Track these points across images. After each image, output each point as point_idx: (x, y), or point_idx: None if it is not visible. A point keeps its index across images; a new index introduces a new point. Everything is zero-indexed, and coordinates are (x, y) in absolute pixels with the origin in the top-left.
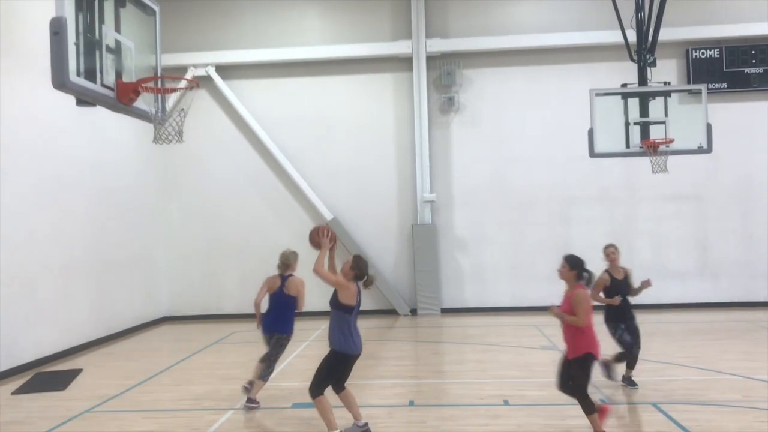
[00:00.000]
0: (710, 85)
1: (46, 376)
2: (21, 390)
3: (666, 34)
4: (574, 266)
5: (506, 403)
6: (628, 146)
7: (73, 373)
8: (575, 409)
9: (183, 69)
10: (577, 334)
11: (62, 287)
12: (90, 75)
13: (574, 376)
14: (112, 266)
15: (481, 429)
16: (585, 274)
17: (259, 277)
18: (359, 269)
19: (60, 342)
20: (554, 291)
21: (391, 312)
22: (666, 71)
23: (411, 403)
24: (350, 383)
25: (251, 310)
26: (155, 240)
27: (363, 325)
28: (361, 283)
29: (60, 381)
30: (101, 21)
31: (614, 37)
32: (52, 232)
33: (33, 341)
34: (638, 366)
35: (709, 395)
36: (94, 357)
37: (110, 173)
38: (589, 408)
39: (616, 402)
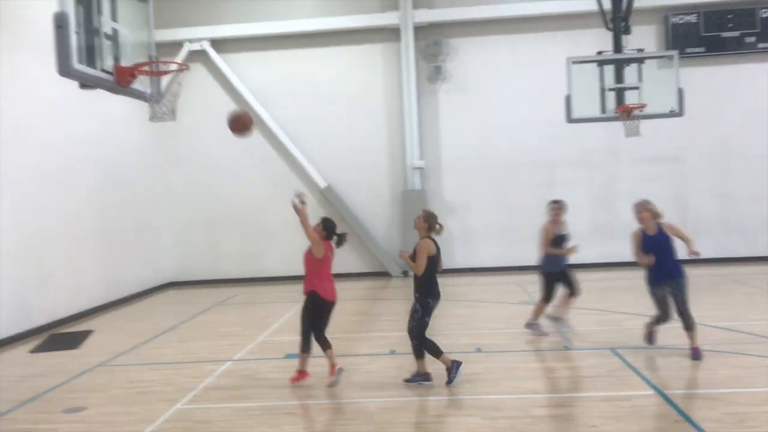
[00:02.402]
0: (688, 50)
1: (59, 336)
2: (38, 349)
3: (645, 0)
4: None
5: (479, 350)
6: (603, 111)
7: (85, 334)
8: (536, 354)
9: (179, 44)
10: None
11: (71, 256)
12: (91, 61)
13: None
14: (118, 235)
15: None
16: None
17: (258, 243)
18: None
19: (71, 306)
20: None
21: (384, 274)
22: (645, 37)
23: (392, 352)
24: (338, 336)
25: (251, 274)
26: (159, 210)
27: (357, 286)
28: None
29: (73, 340)
30: (99, 11)
31: (593, 5)
32: (60, 205)
33: (45, 306)
34: (608, 317)
35: (664, 341)
36: (104, 320)
37: (115, 148)
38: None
39: (575, 348)
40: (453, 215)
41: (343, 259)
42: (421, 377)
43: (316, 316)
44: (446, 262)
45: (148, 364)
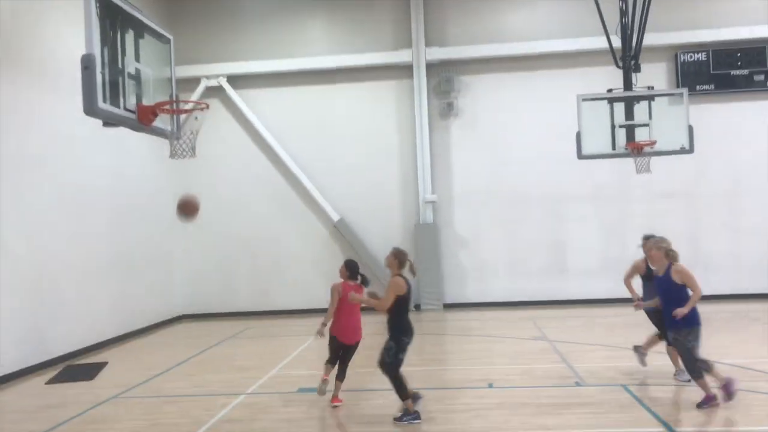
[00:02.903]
0: (698, 87)
1: (75, 368)
2: (54, 380)
3: (655, 39)
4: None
5: (490, 386)
6: (614, 148)
7: (100, 366)
8: (550, 390)
9: (196, 80)
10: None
11: (85, 287)
12: (114, 100)
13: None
14: (131, 268)
15: (464, 407)
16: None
17: (270, 276)
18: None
19: (85, 338)
20: (548, 285)
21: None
22: (655, 74)
23: None
24: (352, 371)
25: (263, 307)
26: (172, 243)
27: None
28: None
29: (88, 372)
30: (123, 53)
31: (604, 43)
32: (74, 236)
33: (59, 337)
34: (618, 353)
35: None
36: (117, 352)
37: (130, 182)
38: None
39: (585, 384)
40: (464, 248)
41: None
42: (411, 416)
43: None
44: (458, 296)
45: (162, 396)
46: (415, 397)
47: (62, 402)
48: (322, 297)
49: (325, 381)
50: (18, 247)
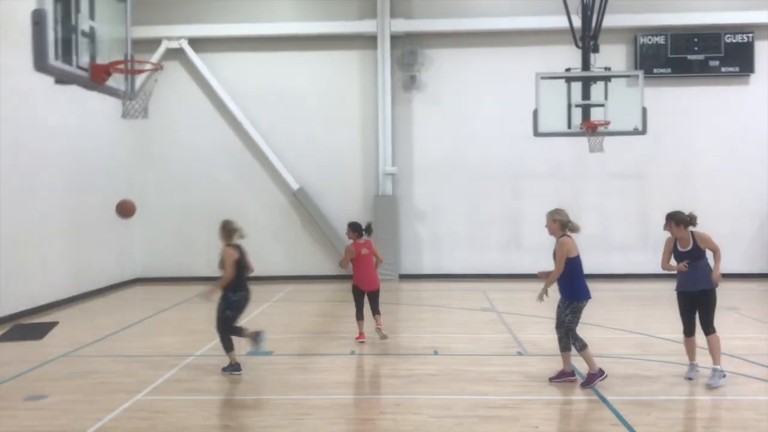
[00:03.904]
0: (655, 70)
1: (24, 327)
2: (2, 338)
3: (615, 20)
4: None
5: (435, 353)
6: (569, 127)
7: (50, 325)
8: (492, 359)
9: (157, 41)
10: None
11: (41, 247)
12: (67, 58)
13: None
14: (89, 229)
15: (408, 372)
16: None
17: None
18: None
19: (38, 297)
20: (503, 259)
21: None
22: (615, 56)
23: (352, 353)
24: (301, 336)
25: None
26: None
27: (326, 288)
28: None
29: (38, 331)
30: (77, 9)
31: (565, 22)
32: (29, 195)
33: (13, 296)
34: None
35: (611, 350)
36: (70, 312)
37: (88, 141)
38: None
39: (528, 353)
40: (422, 221)
41: (313, 262)
42: (232, 367)
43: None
44: (414, 268)
45: (111, 356)
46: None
47: (8, 360)
48: (280, 264)
49: (377, 329)
50: None
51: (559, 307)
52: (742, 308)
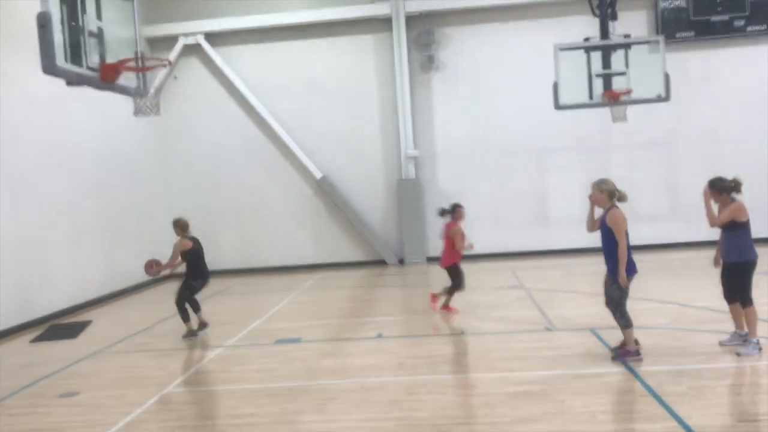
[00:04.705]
0: (678, 35)
1: (59, 327)
2: (38, 339)
3: None
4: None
5: (463, 333)
6: (591, 98)
7: (84, 324)
8: (520, 335)
9: (174, 39)
10: None
11: (72, 248)
12: (76, 59)
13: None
14: (119, 227)
15: (435, 352)
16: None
17: (255, 235)
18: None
19: (71, 297)
20: (531, 236)
21: (381, 262)
22: (635, 22)
23: (379, 336)
24: (332, 321)
25: (248, 264)
26: (157, 203)
27: (354, 275)
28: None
29: (72, 331)
30: (83, 11)
31: None
32: (61, 197)
33: (47, 297)
34: (591, 300)
35: (639, 321)
36: (103, 310)
37: (113, 140)
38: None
39: (556, 329)
40: (448, 203)
41: (341, 249)
42: (193, 334)
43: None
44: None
45: (143, 351)
46: (203, 325)
47: (44, 360)
48: (305, 253)
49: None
50: (2, 210)
51: (606, 282)
52: None
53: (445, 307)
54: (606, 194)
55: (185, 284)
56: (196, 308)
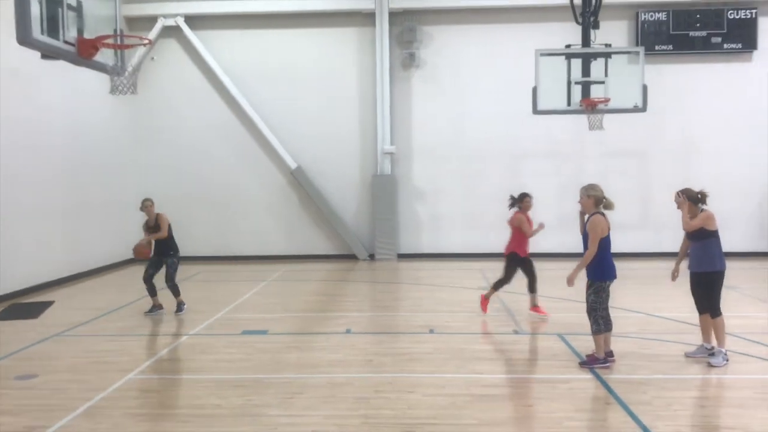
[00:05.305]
0: (657, 47)
1: (20, 306)
2: None
3: None
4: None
5: (431, 331)
6: (569, 104)
7: (46, 304)
8: (488, 337)
9: (153, 19)
10: None
11: (35, 226)
12: (53, 32)
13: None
14: (86, 208)
15: (403, 351)
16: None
17: (226, 222)
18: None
19: (35, 276)
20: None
21: (351, 257)
22: (616, 32)
23: (348, 331)
24: (300, 315)
25: (218, 252)
26: (128, 185)
27: (325, 268)
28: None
29: (33, 310)
30: None
31: None
32: (28, 175)
33: (8, 276)
34: (559, 305)
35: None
36: (67, 291)
37: (85, 120)
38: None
39: (524, 332)
40: (421, 200)
41: (312, 242)
42: (154, 310)
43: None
44: (413, 247)
45: (105, 336)
46: (157, 306)
47: (2, 339)
48: (275, 244)
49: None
50: None
51: (586, 287)
52: (742, 287)
53: (534, 308)
54: (593, 200)
55: (172, 263)
56: (154, 292)
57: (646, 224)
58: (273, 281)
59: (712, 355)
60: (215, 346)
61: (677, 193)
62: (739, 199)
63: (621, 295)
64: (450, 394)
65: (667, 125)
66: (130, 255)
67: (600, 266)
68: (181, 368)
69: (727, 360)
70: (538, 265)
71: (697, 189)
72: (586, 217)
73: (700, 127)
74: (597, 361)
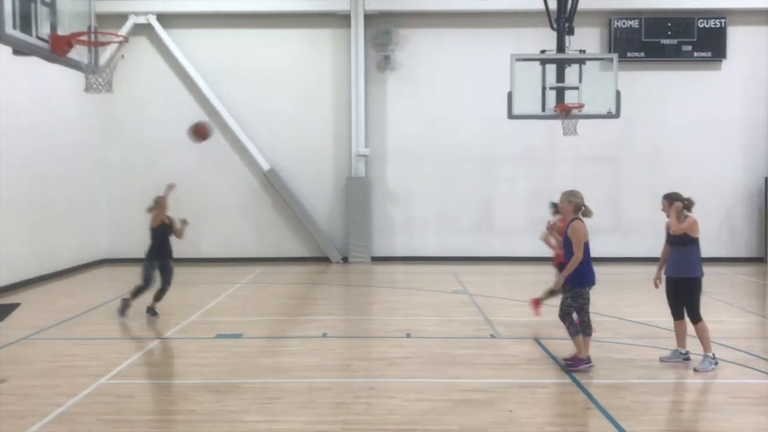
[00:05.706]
0: (629, 54)
1: None
2: None
3: (590, 2)
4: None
5: (408, 335)
6: (543, 109)
7: (12, 307)
8: (465, 341)
9: (124, 16)
10: None
11: (2, 226)
12: (26, 27)
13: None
14: (52, 209)
15: (381, 355)
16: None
17: (197, 224)
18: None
19: None
20: (475, 242)
21: (324, 259)
22: (589, 39)
23: (324, 335)
24: (274, 318)
25: (189, 254)
26: (95, 184)
27: (297, 270)
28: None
29: None
30: None
31: (540, 3)
32: None
33: None
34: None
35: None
36: (33, 293)
37: (51, 118)
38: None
39: (501, 336)
40: (395, 203)
41: (284, 244)
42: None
43: None
44: (387, 250)
45: (74, 339)
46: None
47: None
48: (247, 246)
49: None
50: None
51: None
52: (711, 292)
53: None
54: (573, 206)
55: (172, 267)
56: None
57: (615, 229)
58: (245, 284)
59: (687, 359)
60: (189, 350)
61: (665, 197)
62: (707, 205)
63: (594, 300)
64: (430, 399)
65: (638, 131)
66: (99, 256)
67: (578, 272)
68: (154, 373)
69: (717, 363)
70: (511, 269)
71: (681, 194)
72: (567, 222)
73: (670, 133)
74: (582, 362)
